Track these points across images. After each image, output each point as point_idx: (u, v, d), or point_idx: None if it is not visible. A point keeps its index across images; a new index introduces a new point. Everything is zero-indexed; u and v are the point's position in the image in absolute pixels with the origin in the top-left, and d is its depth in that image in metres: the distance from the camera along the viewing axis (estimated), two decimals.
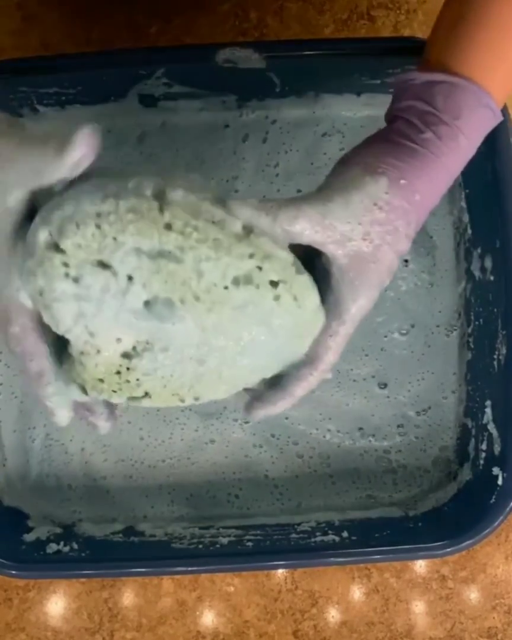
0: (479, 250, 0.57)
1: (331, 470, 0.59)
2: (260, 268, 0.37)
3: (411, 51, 0.51)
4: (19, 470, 0.59)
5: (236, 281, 0.37)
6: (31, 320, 0.39)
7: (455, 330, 0.59)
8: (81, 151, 0.38)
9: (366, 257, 0.40)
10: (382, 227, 0.40)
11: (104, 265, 0.37)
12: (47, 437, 0.59)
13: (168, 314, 0.38)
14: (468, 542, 0.52)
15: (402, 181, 0.40)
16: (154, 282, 0.37)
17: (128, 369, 0.40)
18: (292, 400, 0.43)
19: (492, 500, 0.53)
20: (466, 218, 0.58)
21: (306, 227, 0.38)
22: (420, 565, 0.60)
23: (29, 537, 0.56)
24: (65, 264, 0.37)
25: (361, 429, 0.59)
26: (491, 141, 0.54)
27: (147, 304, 0.38)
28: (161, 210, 0.37)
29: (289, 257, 0.39)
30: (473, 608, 0.60)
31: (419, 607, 0.60)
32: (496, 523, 0.52)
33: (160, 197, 0.37)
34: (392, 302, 0.59)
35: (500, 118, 0.43)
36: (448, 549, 0.53)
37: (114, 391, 0.41)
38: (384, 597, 0.60)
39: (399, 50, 0.55)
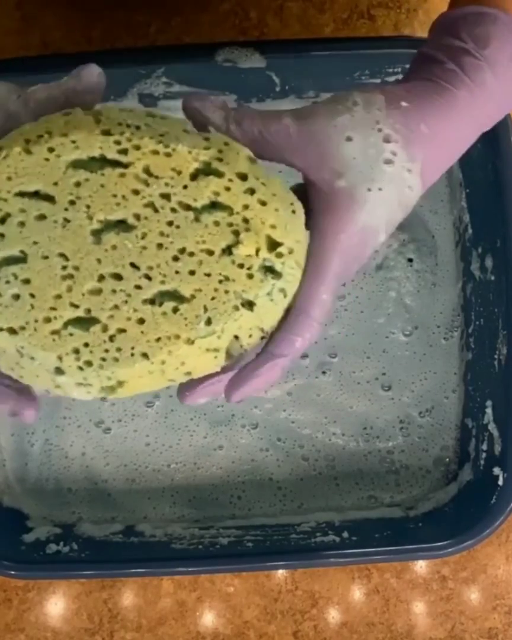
0: (479, 250, 0.57)
1: (335, 472, 0.58)
2: (220, 159, 0.33)
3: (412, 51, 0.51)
4: (17, 473, 0.59)
5: (194, 177, 0.33)
6: None
7: (456, 330, 0.59)
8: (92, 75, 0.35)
9: (353, 185, 0.34)
10: (374, 148, 0.35)
11: (37, 195, 0.33)
12: (46, 442, 0.59)
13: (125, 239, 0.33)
14: (469, 542, 0.52)
15: (403, 103, 0.36)
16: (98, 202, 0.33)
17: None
18: (278, 368, 0.36)
19: (493, 501, 0.53)
20: (466, 217, 0.58)
21: (281, 134, 0.34)
22: (420, 566, 0.60)
23: (28, 538, 0.56)
24: None
25: (365, 430, 0.59)
26: (492, 140, 0.54)
27: (97, 232, 0.33)
28: (97, 121, 0.34)
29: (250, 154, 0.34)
30: (474, 609, 0.59)
31: (419, 607, 0.59)
32: (497, 523, 0.52)
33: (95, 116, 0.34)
34: (395, 302, 0.59)
35: None
36: (449, 550, 0.52)
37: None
38: (385, 598, 0.60)
39: (400, 49, 0.55)
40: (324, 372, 0.59)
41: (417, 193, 0.36)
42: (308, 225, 0.35)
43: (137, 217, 0.33)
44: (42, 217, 0.33)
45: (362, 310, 0.59)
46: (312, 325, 0.35)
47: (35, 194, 0.34)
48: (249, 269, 0.33)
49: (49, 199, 0.33)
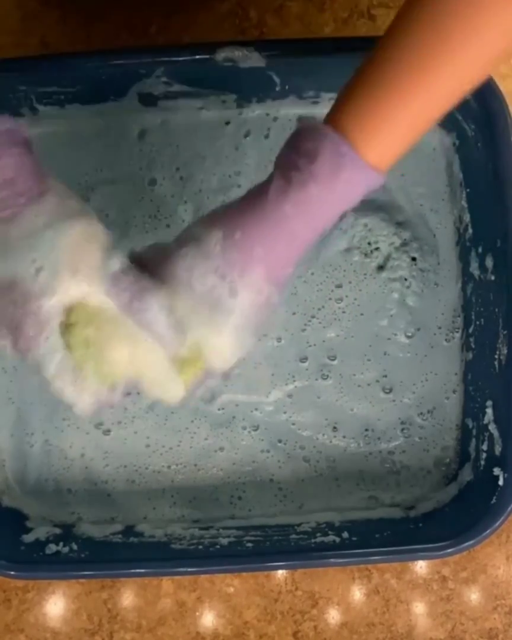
0: (479, 250, 0.57)
1: (336, 473, 0.58)
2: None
3: None
4: (17, 473, 0.59)
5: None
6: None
7: (457, 331, 0.59)
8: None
9: (205, 300, 0.41)
10: (215, 275, 0.40)
11: None
12: (45, 443, 0.59)
13: None
14: (469, 542, 0.52)
15: (237, 234, 0.41)
16: None
17: None
18: None
19: (493, 501, 0.52)
20: (466, 217, 0.58)
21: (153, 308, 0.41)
22: (420, 566, 0.60)
23: (28, 538, 0.56)
24: None
25: (366, 432, 0.59)
26: (492, 141, 0.54)
27: None
28: None
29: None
30: (474, 609, 0.59)
31: (419, 608, 0.59)
32: (497, 523, 0.52)
33: None
34: (398, 303, 0.59)
35: (376, 178, 0.40)
36: (449, 550, 0.52)
37: None
38: (385, 598, 0.59)
39: None
40: (324, 375, 0.59)
41: (272, 293, 0.42)
42: None
43: None
44: None
45: (362, 313, 0.59)
46: None
47: None
48: None
49: None
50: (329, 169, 0.39)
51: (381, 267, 0.59)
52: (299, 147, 0.40)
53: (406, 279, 0.59)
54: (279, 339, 0.59)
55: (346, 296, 0.59)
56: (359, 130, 0.40)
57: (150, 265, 0.42)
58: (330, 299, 0.59)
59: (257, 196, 0.41)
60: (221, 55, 0.55)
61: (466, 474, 0.57)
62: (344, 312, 0.59)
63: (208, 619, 0.59)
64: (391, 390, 0.59)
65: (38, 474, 0.59)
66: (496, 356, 0.55)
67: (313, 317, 0.59)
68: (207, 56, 0.55)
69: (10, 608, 0.60)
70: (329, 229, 0.44)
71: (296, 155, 0.40)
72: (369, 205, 0.59)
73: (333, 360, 0.59)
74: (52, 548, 0.55)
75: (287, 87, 0.58)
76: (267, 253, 0.41)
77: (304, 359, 0.59)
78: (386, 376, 0.59)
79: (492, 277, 0.55)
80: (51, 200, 0.41)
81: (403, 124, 0.40)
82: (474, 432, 0.57)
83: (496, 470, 0.53)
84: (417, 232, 0.59)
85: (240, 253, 0.41)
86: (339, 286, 0.59)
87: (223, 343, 0.42)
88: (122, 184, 0.60)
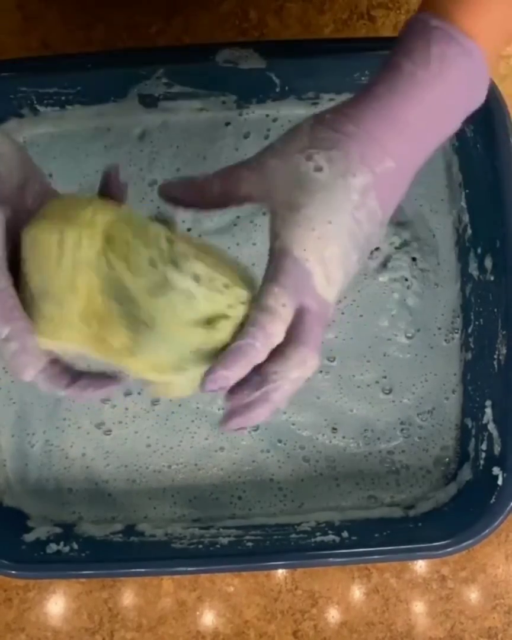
0: (479, 250, 0.57)
1: (336, 473, 0.58)
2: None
3: None
4: (18, 473, 0.59)
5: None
6: None
7: (457, 331, 0.59)
8: None
9: (311, 182, 0.37)
10: (326, 151, 0.37)
11: None
12: (46, 443, 0.59)
13: None
14: (468, 542, 0.52)
15: (327, 115, 0.38)
16: None
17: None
18: (272, 405, 0.38)
19: (493, 500, 0.53)
20: (465, 218, 0.58)
21: (237, 184, 0.40)
22: (420, 566, 0.60)
23: (29, 537, 0.56)
24: None
25: (365, 432, 0.59)
26: (491, 141, 0.54)
27: None
28: None
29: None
30: (473, 608, 0.60)
31: (419, 607, 0.60)
32: (496, 523, 0.52)
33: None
34: (398, 304, 0.59)
35: (484, 71, 0.39)
36: (448, 549, 0.53)
37: None
38: (384, 597, 0.60)
39: None
40: (323, 376, 0.59)
41: (365, 180, 0.37)
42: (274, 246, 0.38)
43: None
44: None
45: (361, 314, 0.59)
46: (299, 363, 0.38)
47: None
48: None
49: None
50: (442, 52, 0.37)
51: (382, 267, 0.59)
52: (401, 38, 0.39)
53: (406, 279, 0.59)
54: None
55: (345, 297, 0.59)
56: (465, 14, 0.38)
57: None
58: None
59: (358, 96, 0.39)
60: (221, 56, 0.55)
61: (465, 474, 0.57)
62: (342, 313, 0.59)
63: (208, 618, 0.59)
64: (390, 391, 0.59)
65: (39, 474, 0.59)
66: (495, 356, 0.55)
67: None
68: (207, 57, 0.55)
69: (11, 607, 0.60)
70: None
71: (407, 46, 0.38)
72: None
73: (332, 361, 0.59)
74: (52, 547, 0.55)
75: (287, 88, 0.58)
76: (365, 131, 0.37)
77: None
78: (385, 377, 0.59)
79: (492, 278, 0.55)
80: None
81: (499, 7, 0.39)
82: (473, 431, 0.57)
83: (495, 470, 0.53)
84: (417, 232, 0.60)
85: (331, 128, 0.38)
86: None
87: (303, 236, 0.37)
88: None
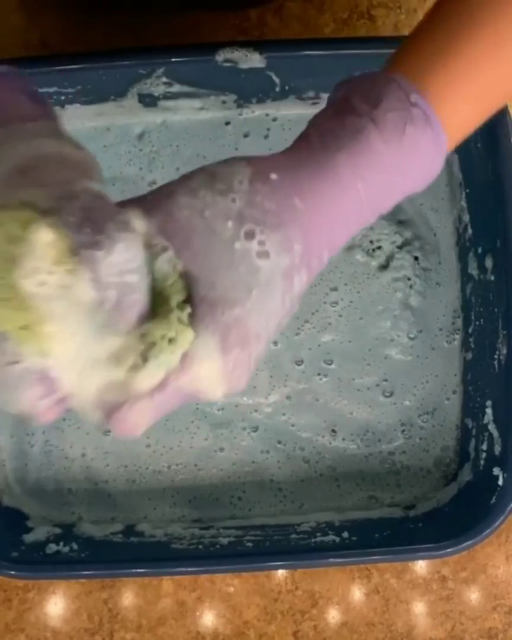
0: (479, 250, 0.57)
1: (336, 474, 0.58)
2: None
3: None
4: (18, 473, 0.59)
5: None
6: None
7: (457, 331, 0.59)
8: None
9: (250, 272, 0.30)
10: (271, 232, 0.30)
11: None
12: (46, 443, 0.59)
13: None
14: (469, 542, 0.52)
15: (273, 175, 0.31)
16: None
17: None
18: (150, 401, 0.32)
19: (493, 501, 0.52)
20: (466, 217, 0.58)
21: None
22: (420, 566, 0.60)
23: (28, 538, 0.56)
24: None
25: (366, 434, 0.59)
26: (491, 140, 0.54)
27: None
28: None
29: None
30: (474, 609, 0.59)
31: (419, 607, 0.59)
32: (497, 523, 0.52)
33: None
34: (401, 304, 0.59)
35: (442, 140, 0.33)
36: (448, 550, 0.52)
37: None
38: (385, 598, 0.60)
39: None
40: (322, 378, 0.58)
41: (303, 279, 0.32)
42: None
43: None
44: None
45: (361, 317, 0.59)
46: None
47: None
48: None
49: None
50: (396, 117, 0.31)
51: (383, 267, 0.59)
52: (355, 88, 0.33)
53: (409, 279, 0.59)
54: (275, 343, 0.59)
55: (342, 299, 0.59)
56: (429, 82, 0.33)
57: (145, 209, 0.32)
58: (325, 302, 0.59)
59: (295, 147, 0.33)
60: (221, 55, 0.55)
61: (466, 474, 0.57)
62: (340, 315, 0.59)
63: (208, 619, 0.59)
64: (391, 394, 0.59)
65: (38, 474, 0.59)
66: (496, 356, 0.55)
67: (306, 321, 0.59)
68: (207, 57, 0.55)
69: (10, 608, 0.60)
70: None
71: (352, 98, 0.32)
72: None
73: (330, 364, 0.59)
74: (52, 548, 0.55)
75: (287, 87, 0.58)
76: (308, 209, 0.31)
77: (299, 362, 0.59)
78: (386, 380, 0.59)
79: (492, 278, 0.55)
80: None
81: (476, 85, 0.33)
82: (473, 432, 0.57)
83: (496, 470, 0.53)
84: (419, 231, 0.59)
85: (276, 198, 0.30)
86: (334, 289, 0.59)
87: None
88: (123, 184, 0.60)
